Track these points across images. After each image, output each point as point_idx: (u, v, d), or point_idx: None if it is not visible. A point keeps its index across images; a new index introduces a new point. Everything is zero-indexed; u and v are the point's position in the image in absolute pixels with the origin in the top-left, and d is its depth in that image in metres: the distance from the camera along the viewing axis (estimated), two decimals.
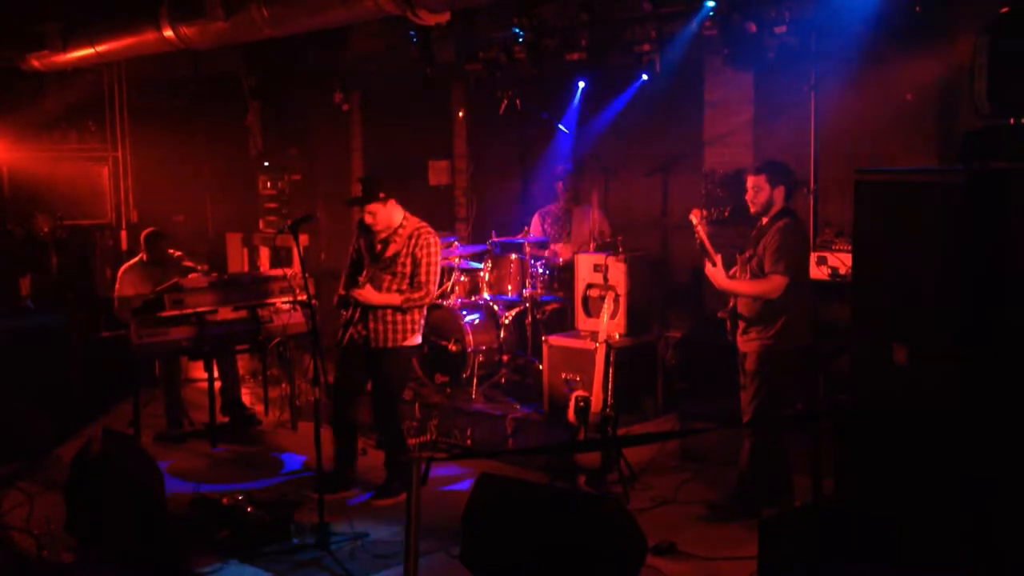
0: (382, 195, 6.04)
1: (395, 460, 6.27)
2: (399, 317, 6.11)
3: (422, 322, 6.28)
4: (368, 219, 6.09)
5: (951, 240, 3.39)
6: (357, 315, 6.16)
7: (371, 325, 6.12)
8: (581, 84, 8.59)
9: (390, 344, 6.13)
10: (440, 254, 6.19)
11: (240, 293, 7.59)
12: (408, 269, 6.08)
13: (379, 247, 6.16)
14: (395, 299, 6.06)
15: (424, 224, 6.22)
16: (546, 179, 9.08)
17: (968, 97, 3.54)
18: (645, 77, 7.91)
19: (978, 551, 3.41)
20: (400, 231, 6.13)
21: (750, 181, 5.67)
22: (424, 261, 6.06)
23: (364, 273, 6.18)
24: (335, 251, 11.52)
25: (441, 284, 7.27)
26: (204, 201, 12.15)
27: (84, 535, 5.48)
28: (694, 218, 5.77)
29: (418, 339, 6.28)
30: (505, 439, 7.02)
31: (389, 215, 6.11)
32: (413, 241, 6.09)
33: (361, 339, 6.16)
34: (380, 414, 6.34)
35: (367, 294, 6.06)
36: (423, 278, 6.06)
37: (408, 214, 6.22)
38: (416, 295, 6.06)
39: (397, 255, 6.09)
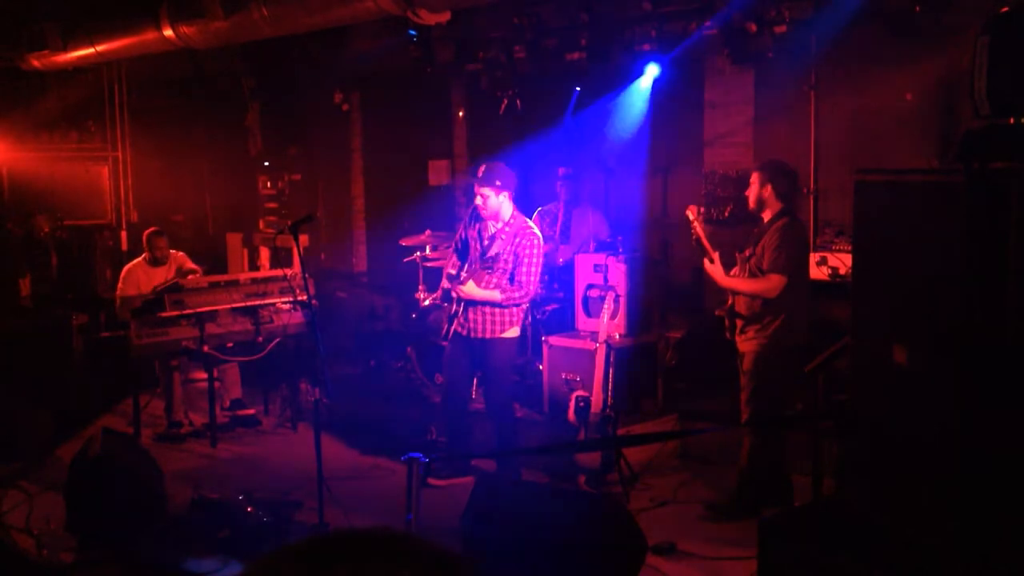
0: (499, 183, 6.14)
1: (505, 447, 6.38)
2: (498, 310, 6.21)
3: (521, 315, 6.38)
4: (478, 200, 6.21)
5: (951, 240, 3.39)
6: (460, 309, 6.27)
7: (471, 316, 6.24)
8: (578, 88, 8.58)
9: (490, 335, 6.23)
10: (542, 256, 6.28)
11: (240, 293, 7.59)
12: (510, 266, 6.17)
13: (486, 242, 6.29)
14: (495, 296, 6.16)
15: (530, 224, 6.31)
16: (546, 179, 9.07)
17: (968, 97, 3.54)
18: (656, 68, 7.91)
19: (977, 551, 3.41)
20: (507, 228, 6.22)
21: (750, 177, 5.72)
22: (526, 260, 6.14)
23: (466, 267, 6.30)
24: (335, 251, 11.54)
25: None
26: (204, 201, 12.17)
27: (84, 535, 5.48)
28: (690, 214, 5.75)
29: (517, 331, 6.36)
30: None
31: (500, 205, 6.21)
32: (518, 239, 6.17)
33: (465, 331, 6.28)
34: (492, 403, 6.46)
35: (469, 289, 6.17)
36: (523, 277, 6.15)
37: (518, 212, 6.31)
38: (517, 293, 6.15)
39: (501, 253, 6.19)
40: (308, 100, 11.25)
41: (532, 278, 6.17)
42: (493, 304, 6.17)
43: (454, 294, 6.28)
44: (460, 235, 6.48)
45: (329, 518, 5.52)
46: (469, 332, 6.26)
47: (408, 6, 6.55)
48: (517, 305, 6.23)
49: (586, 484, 6.18)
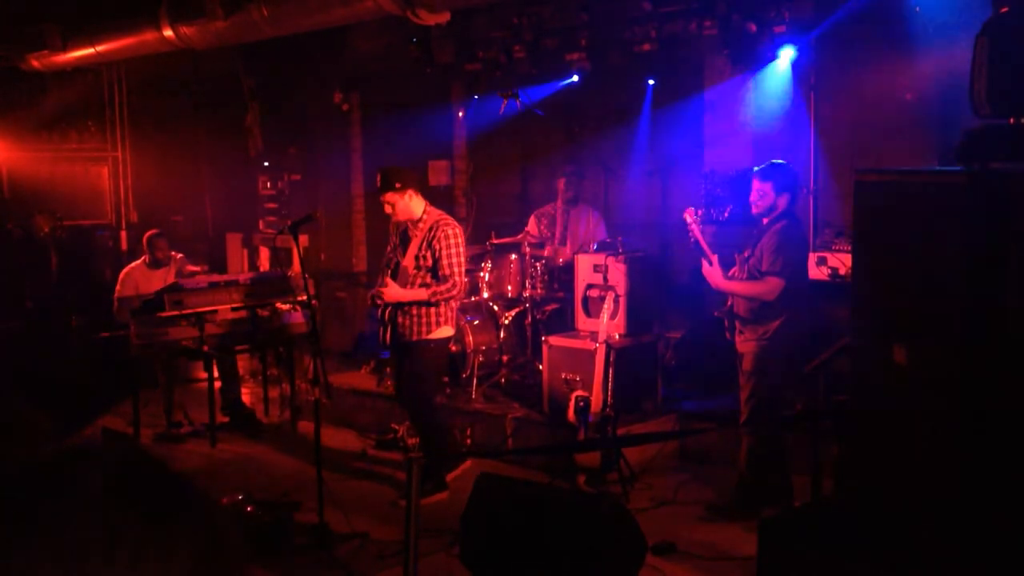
0: (398, 185, 5.97)
1: (428, 460, 6.17)
2: (423, 310, 6.00)
3: (451, 314, 6.12)
4: (387, 209, 6.07)
5: (951, 240, 3.40)
6: (388, 314, 6.08)
7: (399, 320, 6.04)
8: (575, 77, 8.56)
9: (414, 337, 6.02)
10: (463, 244, 6.05)
11: (240, 293, 7.59)
12: (430, 263, 5.98)
13: (403, 242, 6.13)
14: (421, 294, 5.95)
15: (445, 215, 6.15)
16: (546, 179, 9.07)
17: (968, 97, 3.54)
18: (652, 82, 7.94)
19: (977, 550, 3.41)
20: (421, 224, 6.06)
21: (755, 185, 5.66)
22: (444, 252, 5.93)
23: (389, 271, 6.12)
24: (335, 251, 11.54)
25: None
26: (204, 201, 12.15)
27: None
28: (688, 217, 5.75)
29: (447, 331, 6.12)
30: (505, 439, 7.01)
31: (408, 206, 6.03)
32: (432, 233, 5.99)
33: (395, 336, 6.10)
34: (410, 412, 6.31)
35: (391, 291, 5.97)
36: (446, 270, 5.94)
37: (430, 206, 6.14)
38: (443, 287, 5.92)
39: (419, 250, 6.02)
40: (308, 100, 11.24)
41: (456, 268, 5.93)
42: (421, 303, 5.96)
43: (379, 301, 6.05)
44: (389, 245, 6.29)
45: (329, 518, 5.52)
46: (398, 338, 6.06)
47: (408, 6, 6.54)
48: (447, 300, 6.00)
49: (586, 484, 6.18)
